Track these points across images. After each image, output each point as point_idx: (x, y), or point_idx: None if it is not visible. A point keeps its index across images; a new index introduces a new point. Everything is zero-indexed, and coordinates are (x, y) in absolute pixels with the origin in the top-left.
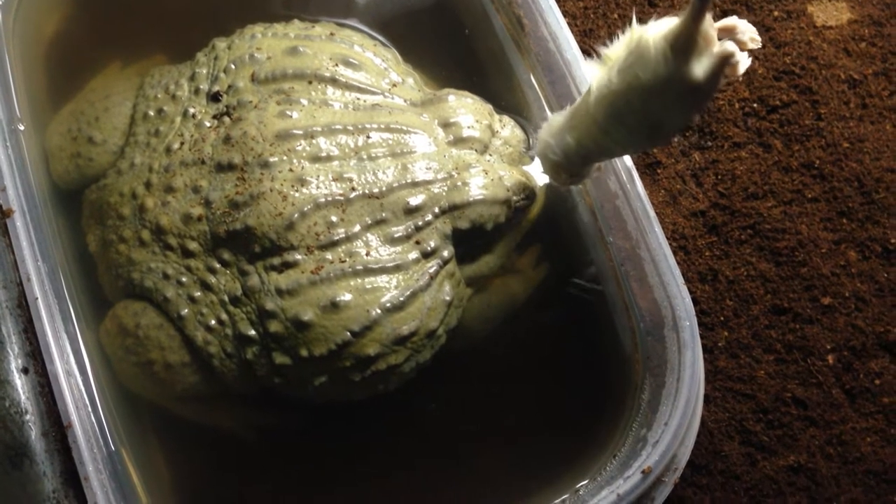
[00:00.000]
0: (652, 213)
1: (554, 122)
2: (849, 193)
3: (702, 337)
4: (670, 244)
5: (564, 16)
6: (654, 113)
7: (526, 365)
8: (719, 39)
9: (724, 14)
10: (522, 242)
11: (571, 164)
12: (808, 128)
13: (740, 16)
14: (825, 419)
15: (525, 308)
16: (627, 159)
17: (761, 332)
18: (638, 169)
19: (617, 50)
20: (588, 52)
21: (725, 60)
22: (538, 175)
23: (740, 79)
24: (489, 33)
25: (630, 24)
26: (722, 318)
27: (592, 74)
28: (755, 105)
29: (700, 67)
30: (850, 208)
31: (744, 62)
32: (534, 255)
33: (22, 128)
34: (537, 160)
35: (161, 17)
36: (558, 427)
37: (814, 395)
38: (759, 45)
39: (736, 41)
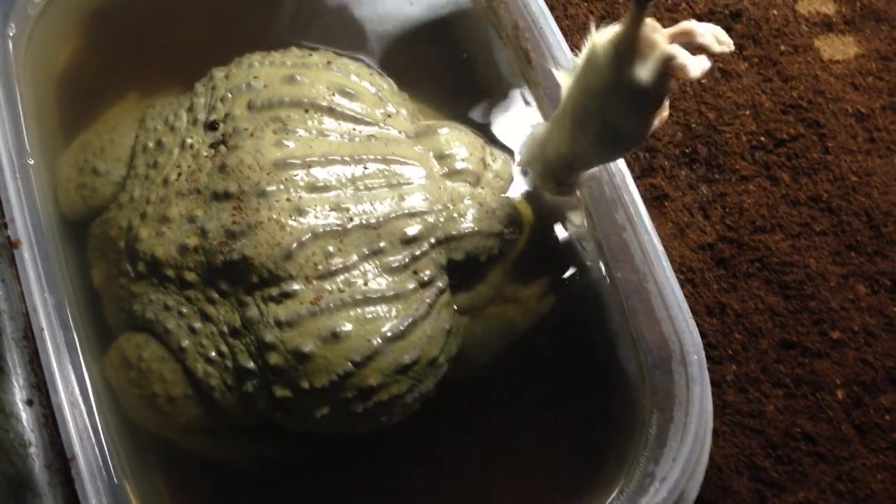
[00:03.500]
0: (659, 245)
1: (536, 132)
2: (857, 227)
3: (710, 371)
4: (678, 277)
5: (572, 49)
6: (610, 118)
7: (531, 398)
8: (679, 43)
9: (736, 47)
10: (527, 273)
11: (556, 173)
12: (815, 161)
13: (746, 49)
14: (835, 455)
15: (529, 340)
16: (635, 192)
17: (770, 366)
18: (645, 201)
19: (581, 57)
20: None
21: (667, 63)
22: (525, 208)
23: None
24: (495, 66)
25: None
26: (730, 352)
27: (562, 83)
28: (762, 138)
29: (644, 71)
30: (859, 242)
31: (698, 64)
32: (540, 288)
33: (31, 162)
34: (523, 196)
35: (176, 49)
36: (564, 461)
37: (823, 430)
38: (730, 48)
39: (700, 45)
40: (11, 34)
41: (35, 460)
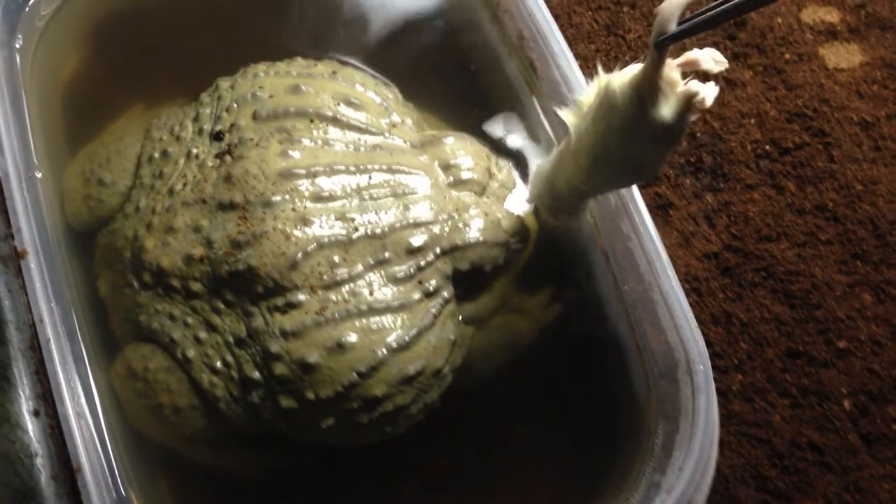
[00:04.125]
0: (665, 255)
1: (542, 168)
2: (863, 236)
3: (716, 380)
4: (683, 286)
5: (576, 59)
6: (632, 155)
7: (536, 408)
8: (687, 75)
9: (736, 58)
10: (533, 283)
11: (566, 205)
12: (820, 170)
13: (751, 58)
14: (841, 465)
15: (534, 350)
16: (640, 201)
17: (776, 375)
18: (650, 210)
19: (588, 97)
20: None
21: (690, 100)
22: (531, 218)
23: (709, 110)
24: (500, 75)
25: (597, 72)
26: (736, 362)
27: (569, 122)
28: (767, 147)
29: (668, 109)
30: (865, 251)
31: (710, 94)
32: (545, 297)
33: (39, 175)
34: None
35: (183, 60)
36: (569, 472)
37: (830, 440)
38: (725, 65)
39: (703, 71)
40: (18, 46)
41: (41, 471)
